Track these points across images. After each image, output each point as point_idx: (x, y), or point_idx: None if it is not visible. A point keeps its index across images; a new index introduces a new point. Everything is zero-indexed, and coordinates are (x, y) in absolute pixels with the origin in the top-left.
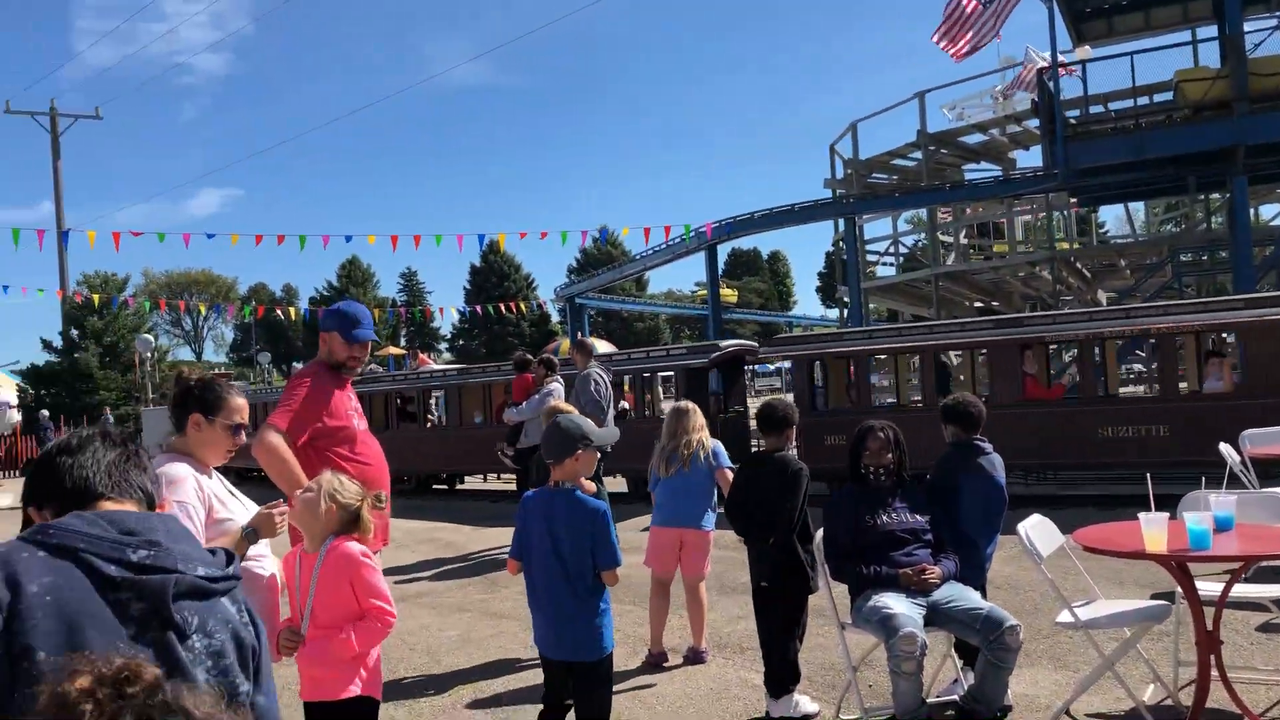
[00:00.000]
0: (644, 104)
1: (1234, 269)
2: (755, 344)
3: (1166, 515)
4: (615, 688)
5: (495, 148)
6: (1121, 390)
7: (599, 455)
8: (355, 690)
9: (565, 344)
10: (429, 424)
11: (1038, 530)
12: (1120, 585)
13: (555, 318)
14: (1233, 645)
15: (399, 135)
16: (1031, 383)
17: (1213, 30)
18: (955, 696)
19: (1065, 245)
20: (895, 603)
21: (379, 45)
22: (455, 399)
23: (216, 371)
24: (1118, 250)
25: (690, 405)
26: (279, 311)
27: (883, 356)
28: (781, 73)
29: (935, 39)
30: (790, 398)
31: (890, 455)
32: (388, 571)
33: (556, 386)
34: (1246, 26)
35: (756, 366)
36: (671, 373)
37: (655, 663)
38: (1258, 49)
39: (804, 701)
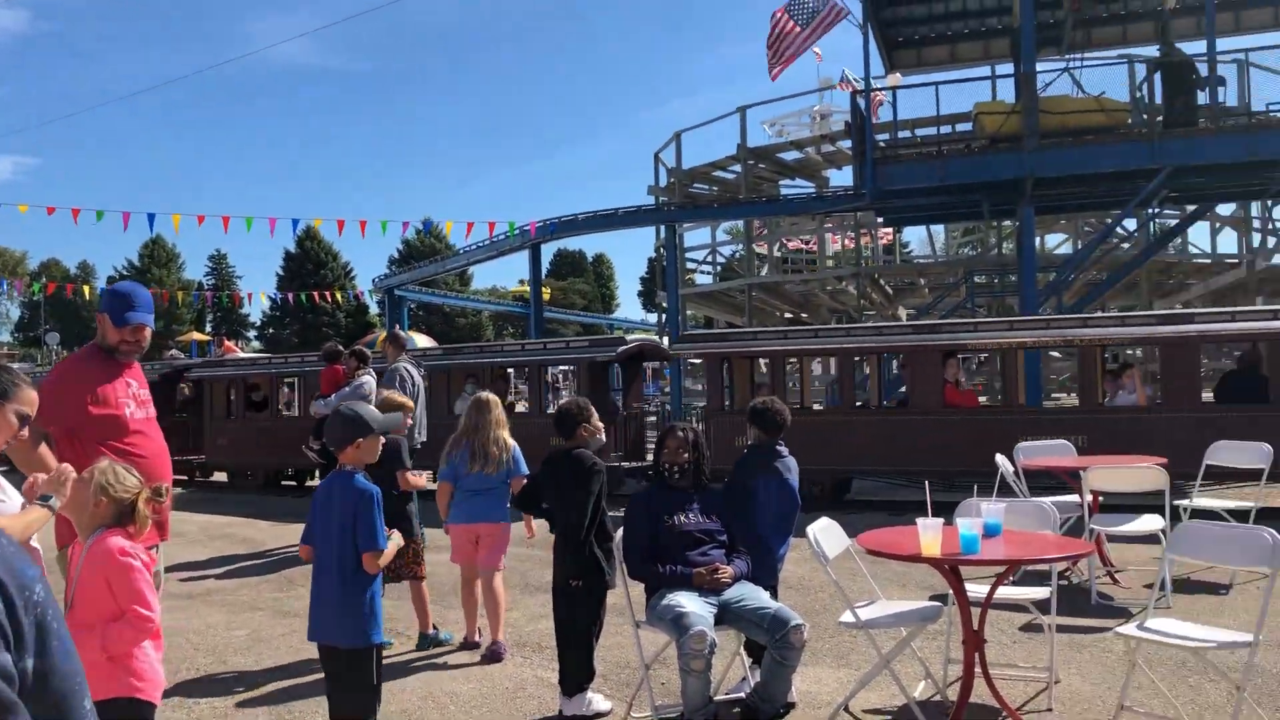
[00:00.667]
0: (476, 99)
1: (1020, 292)
2: (658, 340)
3: (941, 521)
4: (409, 688)
5: (319, 131)
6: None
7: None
8: (120, 691)
9: (383, 336)
10: (280, 415)
11: (825, 533)
12: (903, 587)
13: (374, 309)
14: (997, 644)
15: (213, 112)
16: (951, 389)
17: (1010, 68)
18: (742, 694)
19: (871, 262)
20: (688, 602)
21: (195, 16)
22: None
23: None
24: (919, 269)
25: (493, 398)
26: (70, 290)
27: (794, 360)
28: (615, 80)
29: (768, 60)
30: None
31: (687, 455)
32: (176, 568)
33: (368, 380)
34: (1039, 67)
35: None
36: (568, 367)
37: (466, 647)
38: (1048, 88)
39: (597, 700)
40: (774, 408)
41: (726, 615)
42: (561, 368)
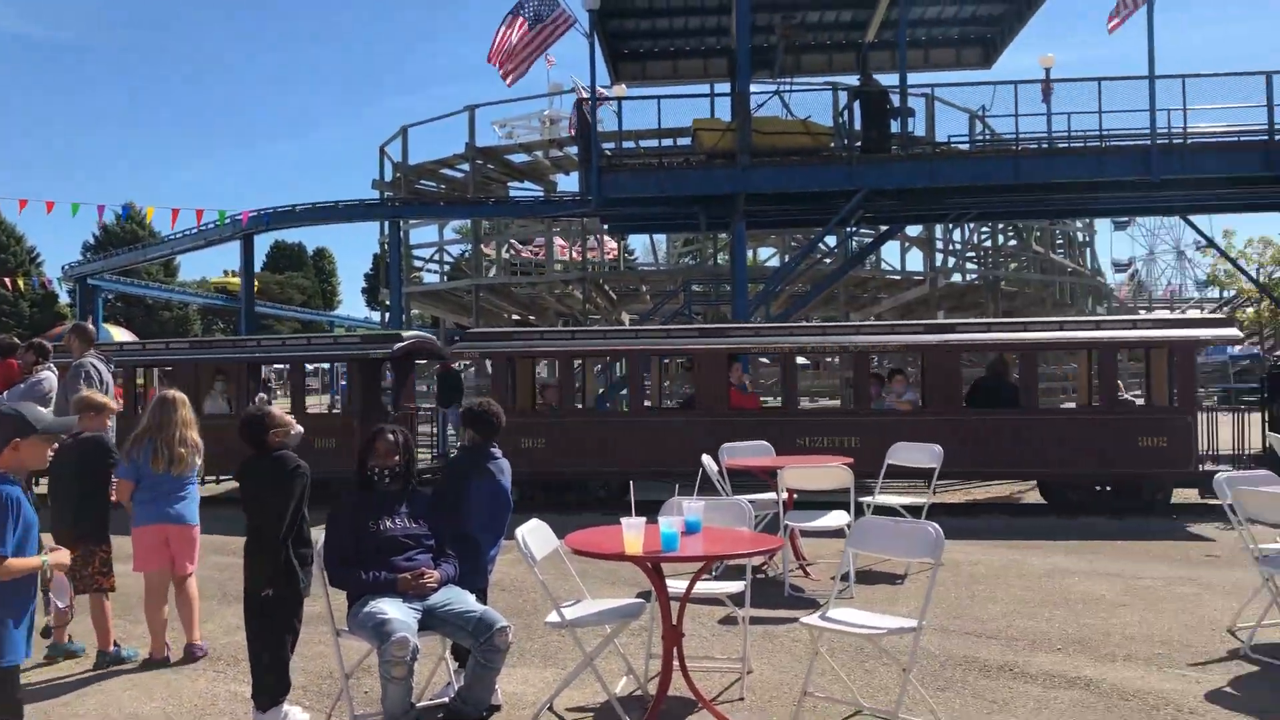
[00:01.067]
0: (189, 80)
1: (734, 302)
2: (434, 338)
3: (644, 520)
4: (84, 711)
5: (10, 101)
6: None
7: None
8: None
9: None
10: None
11: (534, 534)
12: (614, 585)
13: (64, 299)
14: (697, 637)
15: None
16: (735, 392)
17: (728, 87)
18: (446, 699)
19: (598, 268)
20: (390, 608)
21: None
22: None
23: None
24: (641, 276)
25: (180, 396)
26: None
27: (579, 362)
28: (341, 70)
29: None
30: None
31: (397, 458)
32: None
33: (48, 376)
34: (753, 88)
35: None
36: (332, 365)
37: (159, 663)
38: (760, 109)
39: (294, 712)
40: (490, 410)
41: (432, 620)
42: (315, 366)
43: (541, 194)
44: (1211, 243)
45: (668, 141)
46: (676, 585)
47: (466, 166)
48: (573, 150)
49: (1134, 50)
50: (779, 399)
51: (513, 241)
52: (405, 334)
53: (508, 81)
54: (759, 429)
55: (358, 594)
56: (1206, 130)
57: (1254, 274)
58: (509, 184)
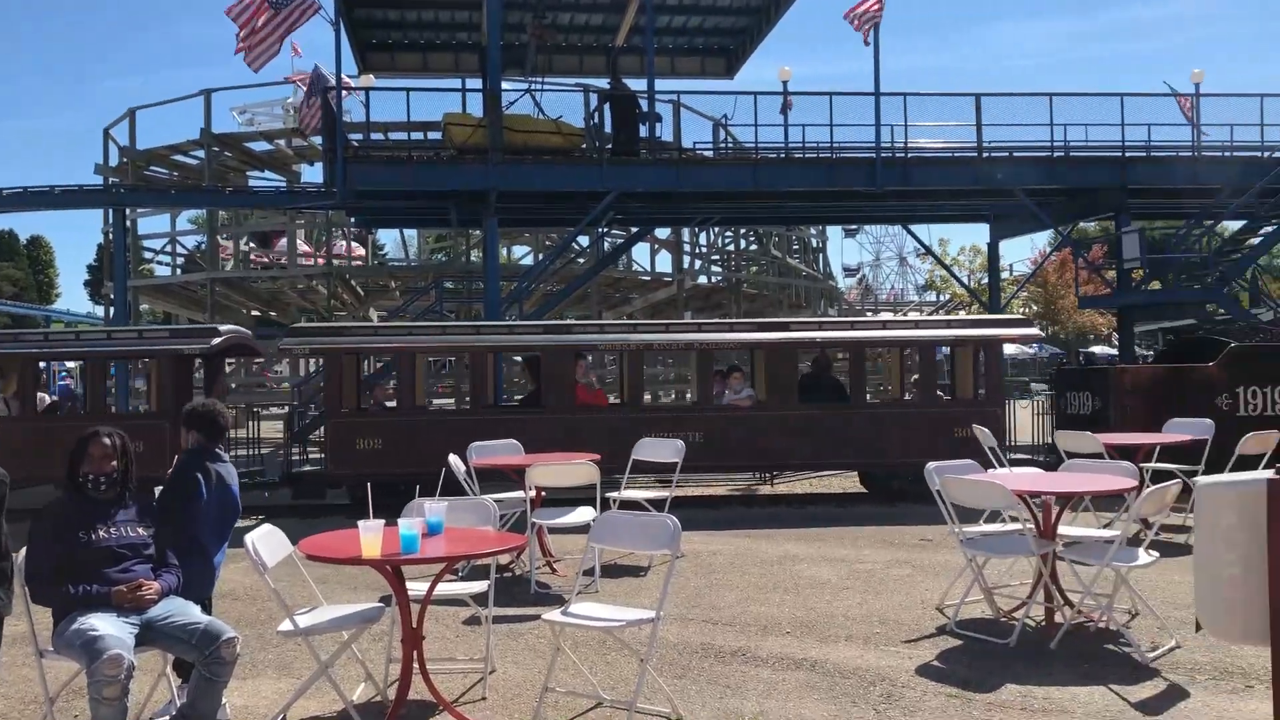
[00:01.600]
0: None
1: (485, 299)
2: (249, 333)
3: (383, 522)
4: None
5: None
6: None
7: None
8: None
9: None
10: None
11: (265, 541)
12: (356, 590)
13: None
14: (441, 639)
15: None
16: (582, 389)
17: (479, 83)
18: (167, 717)
19: (342, 262)
20: (102, 624)
21: None
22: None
23: None
24: (390, 272)
25: None
26: None
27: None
28: (61, 46)
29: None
30: None
31: (115, 464)
32: None
33: None
34: (505, 85)
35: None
36: (145, 360)
37: None
38: (512, 106)
39: None
40: (214, 410)
41: (152, 634)
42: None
43: (284, 184)
44: (929, 250)
45: (418, 135)
46: (420, 588)
47: (202, 153)
48: (319, 140)
49: (868, 68)
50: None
51: (253, 245)
52: (221, 328)
53: (254, 67)
54: (604, 425)
55: (65, 610)
56: (925, 145)
57: (965, 279)
58: (249, 173)
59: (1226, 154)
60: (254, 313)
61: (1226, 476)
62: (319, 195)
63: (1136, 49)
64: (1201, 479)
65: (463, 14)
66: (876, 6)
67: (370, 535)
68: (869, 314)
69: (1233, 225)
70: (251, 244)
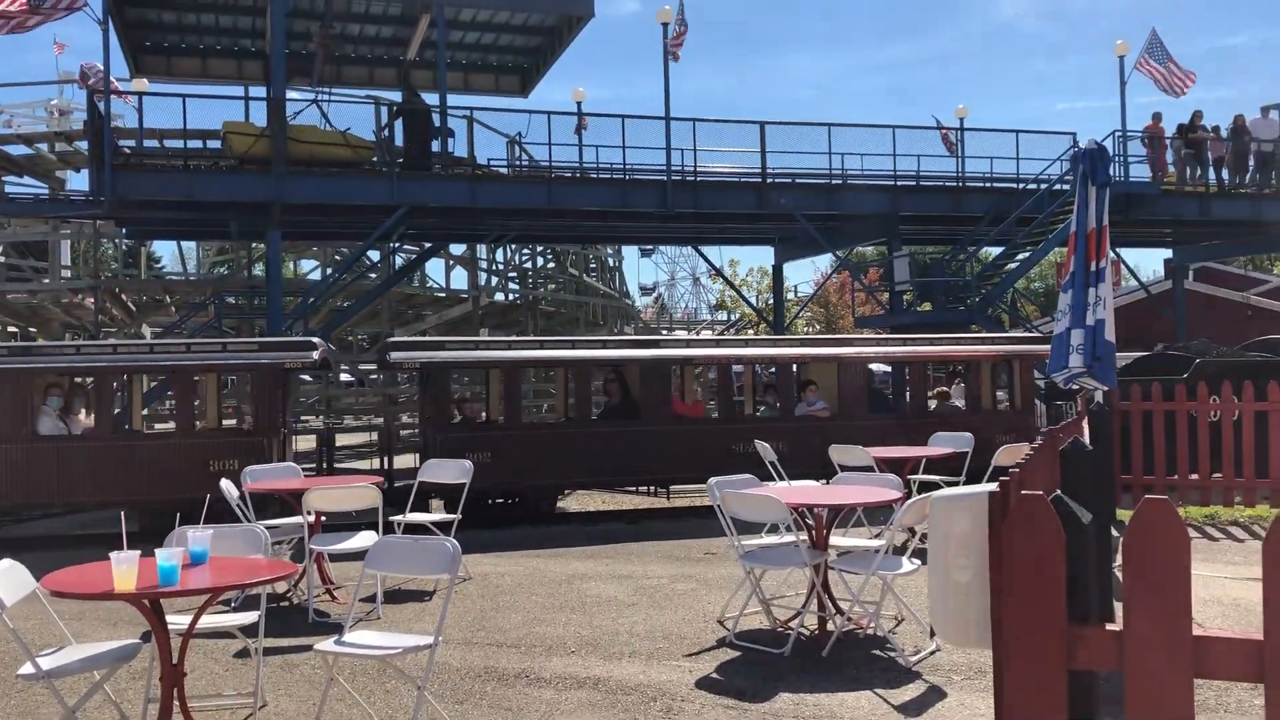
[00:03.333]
0: None
1: (268, 315)
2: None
3: (138, 553)
4: None
5: None
6: None
7: None
8: None
9: None
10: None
11: (5, 577)
12: (115, 626)
13: None
14: (209, 674)
15: None
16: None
17: (263, 91)
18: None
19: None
20: None
21: None
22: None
23: None
24: (164, 286)
25: None
26: None
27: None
28: None
29: None
30: None
31: None
32: None
33: None
34: (290, 95)
35: None
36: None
37: None
38: (297, 117)
39: None
40: None
41: None
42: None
43: (46, 192)
44: (719, 272)
45: (196, 143)
46: (186, 621)
47: None
48: (85, 145)
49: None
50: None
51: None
52: (313, 339)
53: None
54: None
55: None
56: (714, 170)
57: (754, 300)
58: (6, 179)
59: (987, 184)
60: (11, 329)
61: (958, 490)
62: (85, 204)
63: (906, 80)
64: (936, 493)
65: (246, 20)
66: (683, 30)
67: (124, 568)
68: (663, 331)
69: (994, 250)
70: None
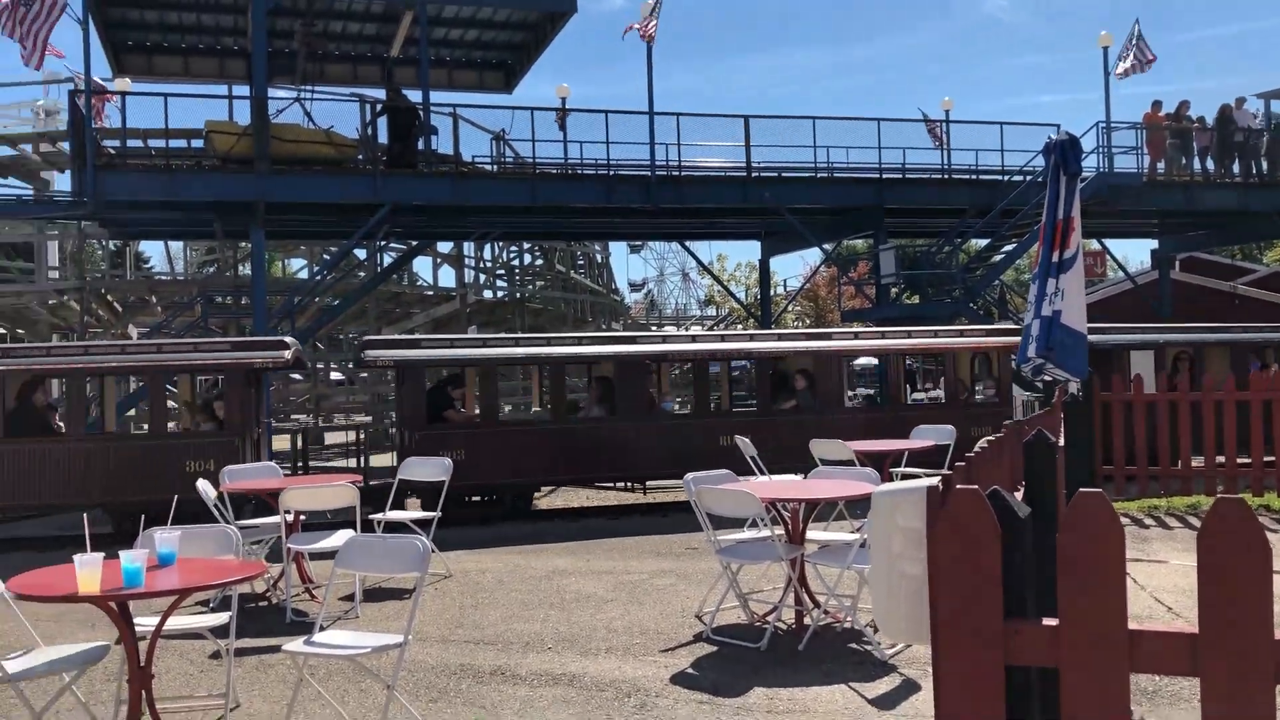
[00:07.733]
0: None
1: (254, 314)
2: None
3: (102, 555)
4: None
5: None
6: None
7: None
8: None
9: None
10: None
11: None
12: (92, 628)
13: None
14: (183, 675)
15: None
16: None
17: (246, 90)
18: None
19: (99, 275)
20: None
21: None
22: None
23: None
24: (150, 286)
25: None
26: None
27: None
28: None
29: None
30: None
31: None
32: None
33: None
34: (273, 93)
35: None
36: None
37: None
38: (280, 115)
39: None
40: None
41: None
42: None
43: (30, 193)
44: (706, 267)
45: (180, 143)
46: (147, 624)
47: None
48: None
49: (644, 88)
50: None
51: None
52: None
53: (37, 66)
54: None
55: None
56: (699, 164)
57: (742, 295)
58: None
59: (972, 176)
60: None
61: (898, 485)
62: (69, 205)
63: (886, 79)
64: (879, 487)
65: (227, 19)
66: (653, 25)
67: (87, 570)
68: (653, 327)
69: (980, 242)
70: None
